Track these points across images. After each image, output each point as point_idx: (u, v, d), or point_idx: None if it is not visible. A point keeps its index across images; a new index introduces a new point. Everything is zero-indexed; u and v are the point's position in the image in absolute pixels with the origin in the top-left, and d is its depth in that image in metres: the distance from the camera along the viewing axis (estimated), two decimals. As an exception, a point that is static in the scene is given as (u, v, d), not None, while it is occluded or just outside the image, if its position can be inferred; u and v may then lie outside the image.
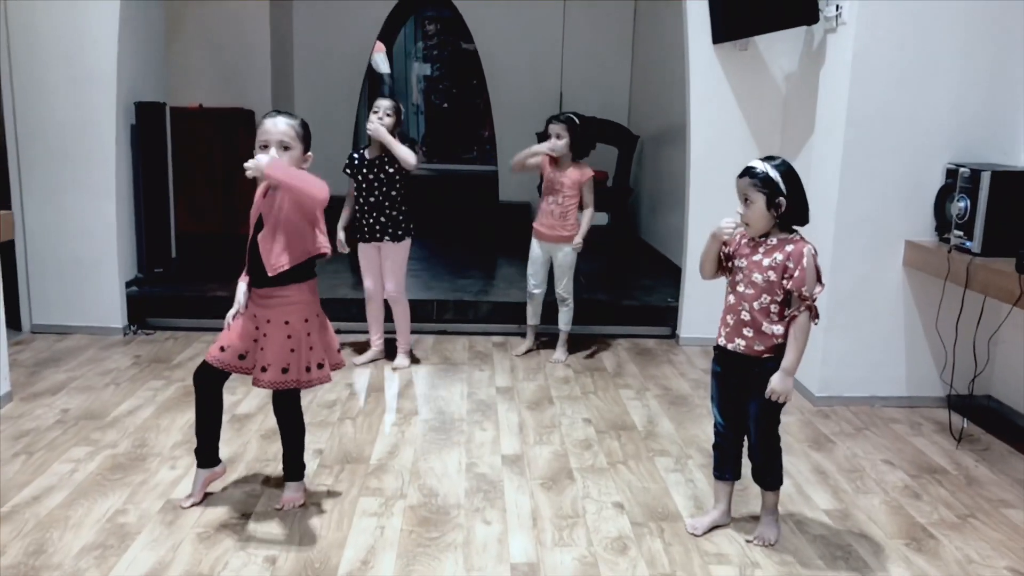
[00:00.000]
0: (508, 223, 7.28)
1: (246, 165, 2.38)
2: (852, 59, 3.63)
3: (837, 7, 3.71)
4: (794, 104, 4.42)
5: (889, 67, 3.62)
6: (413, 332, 4.46)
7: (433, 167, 9.72)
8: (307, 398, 3.64)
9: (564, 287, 4.32)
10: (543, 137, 4.22)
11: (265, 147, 2.49)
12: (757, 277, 2.42)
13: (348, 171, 4.08)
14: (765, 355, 2.44)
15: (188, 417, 3.41)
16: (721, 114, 4.57)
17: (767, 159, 2.43)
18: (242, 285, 2.62)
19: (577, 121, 4.16)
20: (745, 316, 2.45)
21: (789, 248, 2.40)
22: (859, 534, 2.67)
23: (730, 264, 2.52)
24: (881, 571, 2.45)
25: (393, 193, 4.01)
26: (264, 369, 2.52)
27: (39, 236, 4.50)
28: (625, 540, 2.58)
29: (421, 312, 4.78)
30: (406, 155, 3.92)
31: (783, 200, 2.37)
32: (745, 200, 2.42)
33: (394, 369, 4.16)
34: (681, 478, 3.03)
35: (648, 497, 2.87)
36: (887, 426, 3.61)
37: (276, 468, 2.93)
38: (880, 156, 3.68)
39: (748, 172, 2.42)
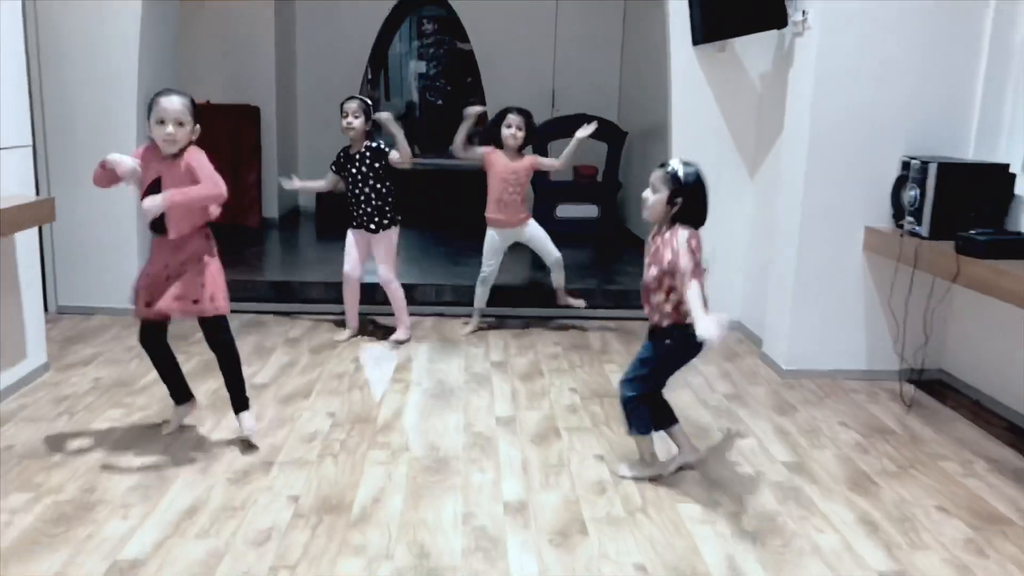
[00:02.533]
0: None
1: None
2: (816, 61, 3.98)
3: (803, 12, 4.06)
4: (767, 102, 4.77)
5: (850, 68, 3.97)
6: (413, 314, 4.81)
7: (429, 162, 10.04)
8: (317, 370, 4.00)
9: (554, 251, 4.70)
10: (493, 130, 4.58)
11: (161, 123, 2.87)
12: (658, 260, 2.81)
13: (333, 168, 4.48)
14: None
15: (209, 385, 3.77)
16: (700, 111, 4.92)
17: (685, 162, 2.80)
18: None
19: (530, 113, 4.60)
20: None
21: (667, 235, 2.80)
22: (811, 480, 3.03)
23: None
24: (827, 509, 2.81)
25: (379, 186, 4.39)
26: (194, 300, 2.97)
27: (65, 223, 4.81)
28: (604, 484, 2.94)
29: (421, 295, 5.14)
30: (407, 148, 4.30)
31: (680, 200, 2.75)
32: (653, 189, 2.79)
33: (397, 342, 4.51)
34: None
35: (627, 450, 3.23)
36: (847, 395, 3.97)
37: (294, 430, 3.28)
38: (842, 150, 4.03)
39: (662, 166, 2.81)
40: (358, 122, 4.33)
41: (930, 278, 3.82)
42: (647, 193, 2.81)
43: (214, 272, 2.99)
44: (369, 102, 4.45)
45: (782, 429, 3.52)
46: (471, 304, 5.18)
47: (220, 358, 3.12)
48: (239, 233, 6.45)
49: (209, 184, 2.86)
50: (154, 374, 3.86)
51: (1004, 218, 3.66)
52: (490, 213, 4.70)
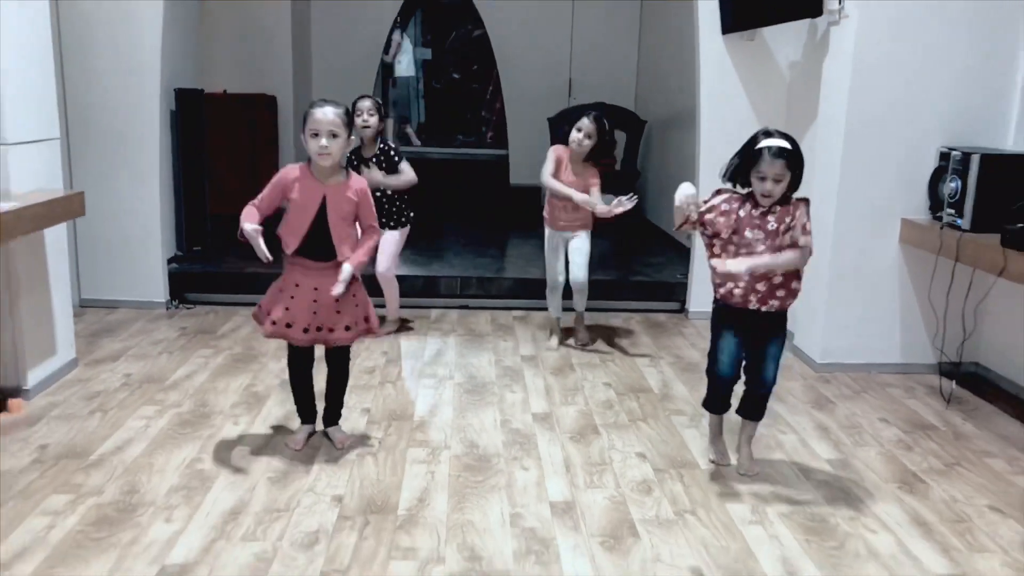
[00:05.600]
0: (519, 205, 7.58)
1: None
2: (853, 50, 3.90)
3: (840, 1, 3.98)
4: (798, 92, 4.70)
5: (888, 58, 3.90)
6: (438, 307, 4.78)
7: (445, 151, 9.98)
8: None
9: (585, 272, 4.42)
10: (561, 125, 4.40)
11: (316, 135, 2.74)
12: (781, 242, 2.69)
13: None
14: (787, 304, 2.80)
15: (241, 381, 3.73)
16: (729, 101, 4.85)
17: (780, 133, 2.67)
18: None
19: (606, 124, 4.20)
20: (778, 280, 2.74)
21: (790, 208, 2.70)
22: (857, 480, 2.99)
23: (733, 236, 2.71)
24: (878, 509, 2.77)
25: (390, 191, 4.29)
26: (333, 330, 2.88)
27: (88, 216, 4.72)
28: (649, 483, 2.90)
29: (446, 288, 5.09)
30: (405, 181, 4.23)
31: (799, 175, 2.66)
32: (777, 180, 2.61)
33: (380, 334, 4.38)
34: (696, 433, 3.34)
35: (668, 448, 3.19)
36: (883, 390, 3.92)
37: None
38: (879, 141, 3.97)
39: (784, 154, 2.59)
40: (373, 120, 4.24)
41: (967, 270, 3.76)
42: (768, 187, 2.61)
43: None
44: (380, 101, 4.39)
45: (822, 425, 3.47)
46: (497, 297, 5.14)
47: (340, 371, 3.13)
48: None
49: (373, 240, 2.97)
50: (183, 369, 3.87)
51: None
52: (545, 212, 4.41)
